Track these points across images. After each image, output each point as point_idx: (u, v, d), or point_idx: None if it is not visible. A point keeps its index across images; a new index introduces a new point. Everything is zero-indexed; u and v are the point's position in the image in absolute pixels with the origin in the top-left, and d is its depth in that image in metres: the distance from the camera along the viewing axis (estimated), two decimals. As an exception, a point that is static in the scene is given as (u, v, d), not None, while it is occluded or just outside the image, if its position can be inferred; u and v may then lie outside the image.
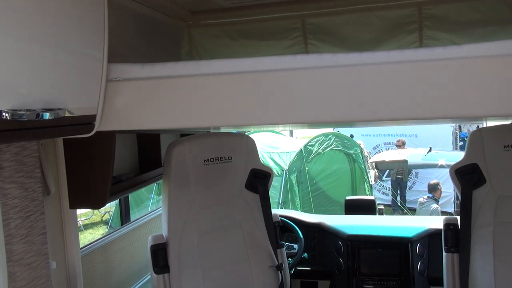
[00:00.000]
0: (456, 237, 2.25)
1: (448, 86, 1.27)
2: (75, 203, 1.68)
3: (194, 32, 2.61)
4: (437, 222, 2.62)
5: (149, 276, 2.27)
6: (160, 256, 2.12)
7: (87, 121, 1.39)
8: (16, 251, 1.39)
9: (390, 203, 10.29)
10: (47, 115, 1.12)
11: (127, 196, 2.80)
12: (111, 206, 9.40)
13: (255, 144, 2.40)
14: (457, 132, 11.57)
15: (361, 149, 9.33)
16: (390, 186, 10.52)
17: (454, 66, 1.26)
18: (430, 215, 7.25)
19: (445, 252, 2.27)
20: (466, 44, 1.26)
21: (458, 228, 2.25)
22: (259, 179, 2.35)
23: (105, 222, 9.14)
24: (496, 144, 2.22)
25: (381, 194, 10.82)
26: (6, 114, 1.00)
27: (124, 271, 2.42)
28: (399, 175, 10.23)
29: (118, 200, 8.45)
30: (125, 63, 1.43)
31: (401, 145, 10.76)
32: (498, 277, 2.10)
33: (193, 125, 1.41)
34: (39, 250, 1.49)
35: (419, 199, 8.21)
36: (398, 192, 10.36)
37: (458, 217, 2.26)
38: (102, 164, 1.52)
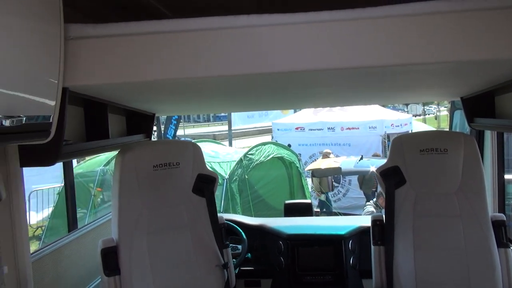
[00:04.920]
0: (382, 231, 2.52)
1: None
2: (26, 161, 1.67)
3: None
4: (367, 221, 2.89)
5: (99, 280, 2.33)
6: (110, 259, 2.19)
7: (44, 129, 1.47)
8: None
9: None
10: (7, 122, 1.19)
11: (74, 201, 2.80)
12: (44, 220, 9.00)
13: (201, 151, 2.54)
14: (386, 141, 12.37)
15: (298, 157, 9.69)
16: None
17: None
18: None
19: (373, 245, 2.54)
20: None
21: (383, 224, 2.53)
22: (205, 183, 2.48)
23: (38, 238, 8.74)
24: (414, 148, 2.54)
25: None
26: None
27: (74, 277, 2.45)
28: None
29: (54, 210, 7.98)
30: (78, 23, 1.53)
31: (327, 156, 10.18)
32: (417, 264, 2.40)
33: (140, 79, 1.54)
34: None
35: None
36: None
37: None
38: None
